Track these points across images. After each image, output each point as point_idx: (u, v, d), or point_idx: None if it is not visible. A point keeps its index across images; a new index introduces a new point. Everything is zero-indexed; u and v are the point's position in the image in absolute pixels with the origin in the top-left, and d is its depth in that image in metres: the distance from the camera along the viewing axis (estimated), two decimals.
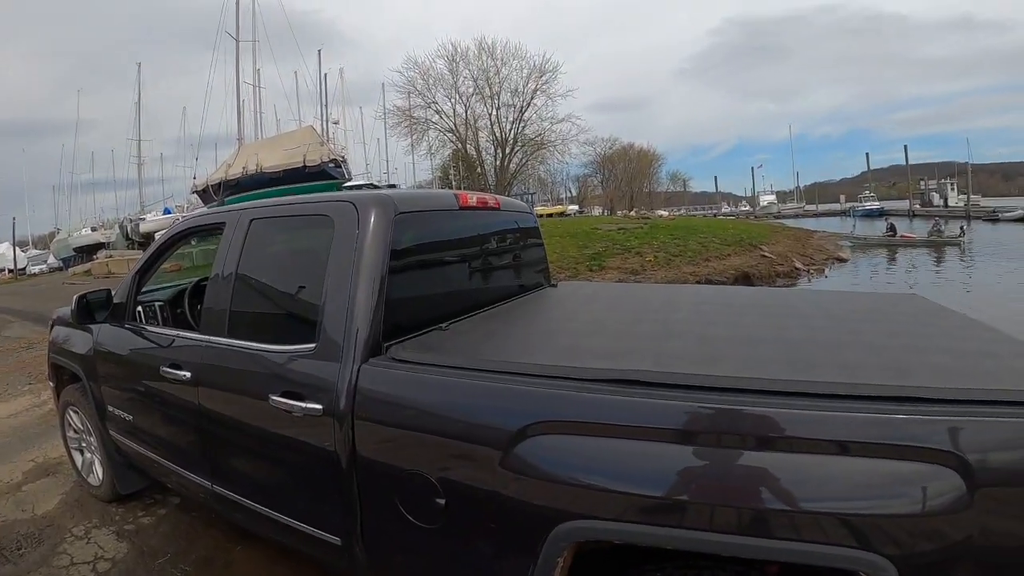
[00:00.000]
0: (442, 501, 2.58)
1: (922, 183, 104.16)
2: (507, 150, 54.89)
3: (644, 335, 3.27)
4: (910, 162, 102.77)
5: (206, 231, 4.38)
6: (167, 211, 52.06)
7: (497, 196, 4.66)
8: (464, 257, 4.05)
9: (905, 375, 2.44)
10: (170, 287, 5.45)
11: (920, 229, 44.77)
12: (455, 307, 3.68)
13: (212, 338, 3.65)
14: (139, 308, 4.68)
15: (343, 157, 36.38)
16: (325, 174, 32.59)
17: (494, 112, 54.83)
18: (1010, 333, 3.27)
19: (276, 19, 73.94)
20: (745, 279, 20.77)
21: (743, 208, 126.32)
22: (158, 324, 4.79)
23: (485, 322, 3.64)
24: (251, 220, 3.74)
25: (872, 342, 3.04)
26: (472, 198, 4.08)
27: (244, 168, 35.37)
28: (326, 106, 62.03)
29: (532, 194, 68.21)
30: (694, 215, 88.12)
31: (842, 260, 31.16)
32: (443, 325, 3.36)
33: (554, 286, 5.25)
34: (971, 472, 1.97)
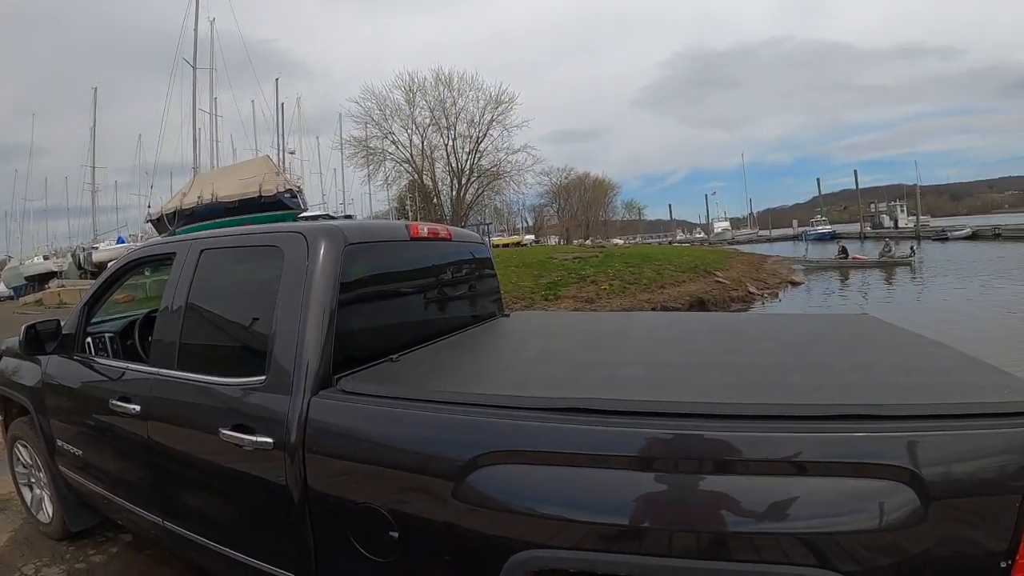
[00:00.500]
0: (395, 534, 2.56)
1: (872, 206, 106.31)
2: (463, 180, 55.00)
3: (595, 363, 3.28)
4: (860, 186, 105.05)
5: (156, 261, 4.34)
6: (120, 240, 51.33)
7: (449, 227, 4.68)
8: (416, 288, 4.06)
9: (853, 394, 2.49)
10: (121, 318, 5.36)
11: (871, 251, 45.52)
12: (407, 338, 3.68)
13: (161, 370, 3.61)
14: (88, 339, 4.59)
15: (299, 187, 36.20)
16: (281, 204, 32.26)
17: (450, 143, 55.06)
18: (959, 348, 3.35)
19: (234, 47, 73.53)
20: (700, 305, 21.00)
21: (698, 235, 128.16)
22: (108, 356, 4.70)
23: (436, 353, 3.64)
24: (201, 250, 3.71)
25: (821, 363, 3.09)
26: (423, 229, 4.08)
27: (199, 197, 34.98)
28: (283, 135, 61.67)
29: (488, 224, 68.30)
30: (649, 243, 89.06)
31: (796, 283, 31.58)
32: (394, 356, 3.34)
33: (507, 316, 5.25)
34: (924, 485, 2.01)
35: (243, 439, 2.94)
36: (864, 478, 2.06)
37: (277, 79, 65.48)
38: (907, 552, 2.02)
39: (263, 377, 3.05)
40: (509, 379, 3.15)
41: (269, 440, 2.87)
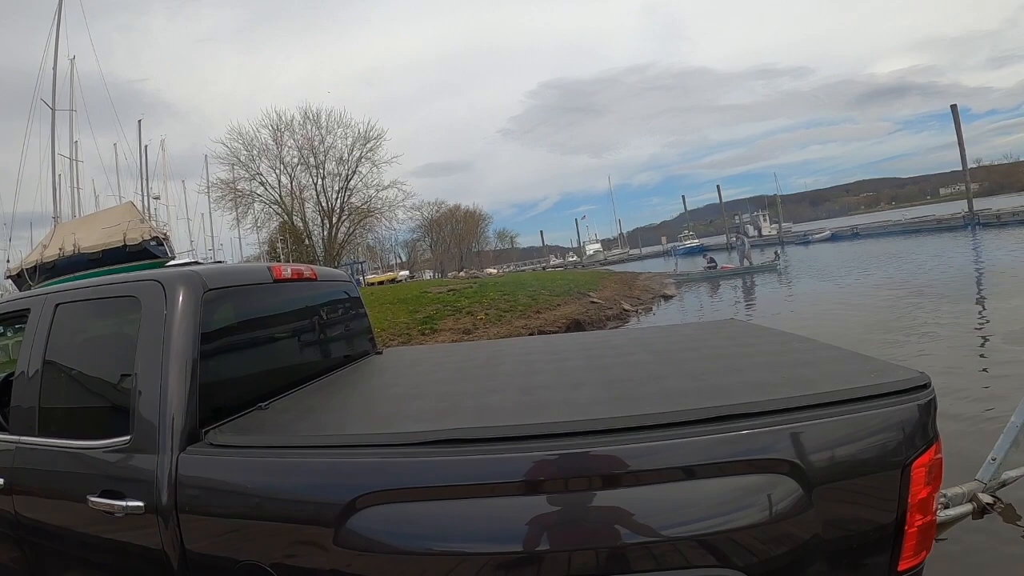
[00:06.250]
0: None
1: (736, 217, 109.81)
2: (334, 220, 54.10)
3: (467, 392, 3.27)
4: (724, 199, 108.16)
5: (10, 319, 4.09)
6: None
7: (314, 267, 4.63)
8: (282, 331, 3.99)
9: (727, 395, 2.55)
10: None
11: (739, 260, 46.88)
12: (276, 384, 3.60)
13: (23, 438, 3.39)
14: None
15: (165, 234, 34.67)
16: (147, 253, 30.76)
17: (319, 182, 53.99)
18: (824, 340, 3.57)
19: (96, 87, 70.18)
20: (577, 326, 21.24)
21: (571, 259, 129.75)
22: None
23: (307, 397, 3.57)
24: (56, 305, 3.53)
25: (693, 369, 3.18)
26: (287, 270, 4.04)
27: (61, 249, 32.86)
28: (147, 180, 59.70)
29: (362, 263, 67.70)
30: (523, 270, 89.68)
31: (668, 297, 32.23)
32: (263, 404, 3.25)
33: (379, 353, 5.23)
34: (804, 474, 2.13)
35: (113, 505, 2.79)
36: (745, 475, 2.16)
37: (140, 120, 63.26)
38: (799, 539, 2.13)
39: (128, 437, 2.91)
40: (380, 417, 3.11)
41: (140, 504, 2.73)
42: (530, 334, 18.69)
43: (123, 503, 2.77)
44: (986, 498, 4.25)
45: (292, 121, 53.51)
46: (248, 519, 2.56)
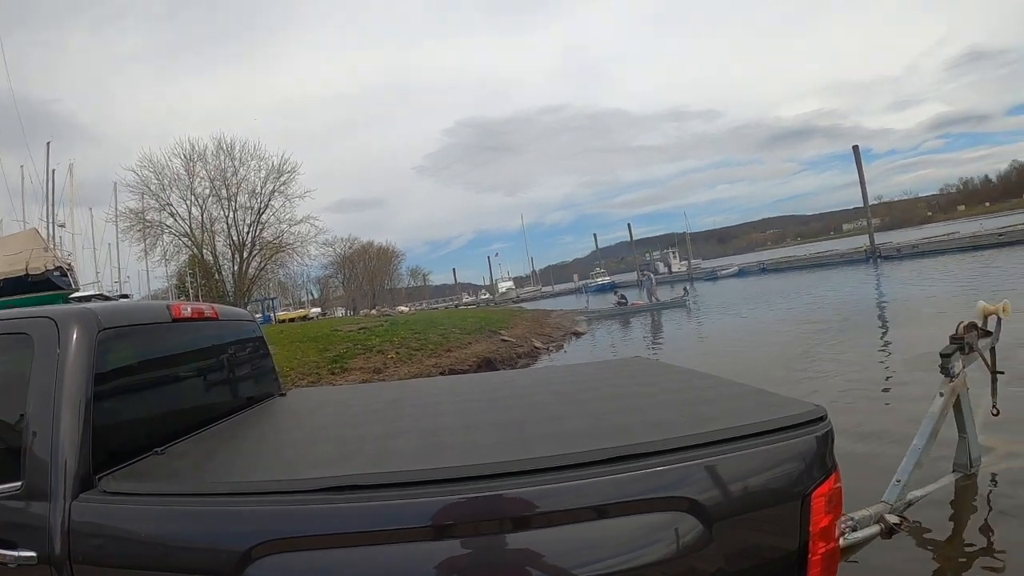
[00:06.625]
0: None
1: (647, 255, 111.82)
2: (245, 254, 53.42)
3: (369, 436, 3.25)
4: (635, 237, 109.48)
5: None
6: None
7: (216, 305, 4.55)
8: (181, 372, 3.92)
9: (625, 435, 2.59)
10: None
11: (647, 297, 47.47)
12: (175, 427, 3.51)
13: None
14: None
15: (69, 264, 33.51)
16: (50, 283, 29.41)
17: (231, 215, 53.56)
18: (728, 375, 3.67)
19: (6, 105, 67.84)
20: (488, 364, 21.25)
21: (484, 296, 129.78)
22: None
23: (206, 441, 3.49)
24: None
25: (594, 409, 3.22)
26: (186, 309, 3.96)
27: None
28: (53, 205, 57.96)
29: (273, 299, 66.66)
30: (436, 308, 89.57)
31: (579, 334, 32.59)
32: (159, 449, 3.15)
33: (283, 395, 5.16)
34: (703, 510, 2.17)
35: (5, 555, 2.64)
36: (646, 513, 2.18)
37: (48, 143, 61.45)
38: (703, 572, 2.18)
39: (20, 483, 2.77)
40: (280, 462, 3.08)
41: (33, 554, 2.59)
42: (441, 373, 18.71)
43: (15, 553, 2.64)
44: (893, 519, 4.39)
45: (205, 151, 53.27)
46: (144, 570, 2.47)
